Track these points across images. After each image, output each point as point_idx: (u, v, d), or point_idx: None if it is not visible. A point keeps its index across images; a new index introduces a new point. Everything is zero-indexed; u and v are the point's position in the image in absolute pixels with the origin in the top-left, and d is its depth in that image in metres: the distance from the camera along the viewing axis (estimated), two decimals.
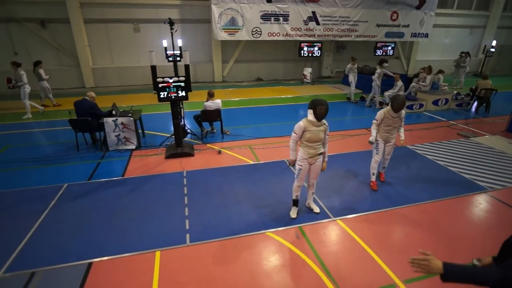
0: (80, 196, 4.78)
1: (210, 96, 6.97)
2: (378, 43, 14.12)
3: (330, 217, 4.30)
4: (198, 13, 13.18)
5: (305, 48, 13.85)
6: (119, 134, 6.40)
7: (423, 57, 17.35)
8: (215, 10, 12.18)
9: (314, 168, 4.06)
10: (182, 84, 5.71)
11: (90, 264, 3.43)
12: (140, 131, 7.01)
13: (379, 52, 14.13)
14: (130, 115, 6.46)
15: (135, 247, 3.69)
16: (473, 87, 10.23)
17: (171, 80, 5.64)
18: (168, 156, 6.14)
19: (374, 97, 10.18)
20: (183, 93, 5.78)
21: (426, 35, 15.62)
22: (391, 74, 9.72)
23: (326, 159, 4.07)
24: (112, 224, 4.12)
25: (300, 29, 13.45)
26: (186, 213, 4.35)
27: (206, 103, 6.95)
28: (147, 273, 3.31)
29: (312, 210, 4.40)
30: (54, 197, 4.74)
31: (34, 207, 4.47)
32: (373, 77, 9.86)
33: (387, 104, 10.01)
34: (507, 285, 1.46)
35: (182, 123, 6.73)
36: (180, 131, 6.24)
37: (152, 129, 7.77)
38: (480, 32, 18.37)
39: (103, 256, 3.54)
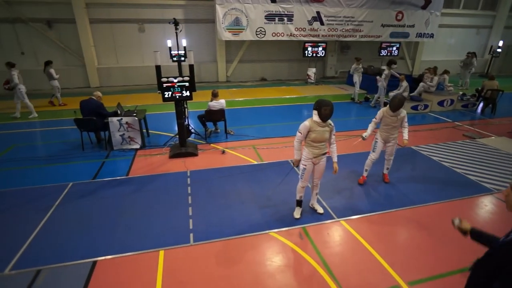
0: (85, 195, 4.83)
1: (214, 96, 6.99)
2: (383, 43, 14.04)
3: (333, 218, 4.28)
4: (203, 13, 13.22)
5: (309, 48, 13.83)
6: (123, 134, 6.44)
7: (428, 58, 17.22)
8: (220, 10, 12.20)
9: (318, 168, 4.05)
10: (187, 84, 5.73)
11: (94, 262, 3.46)
12: (144, 130, 7.04)
13: (383, 53, 14.06)
14: (134, 114, 6.50)
15: (139, 246, 3.71)
16: (479, 88, 10.13)
17: (175, 80, 5.67)
18: (172, 156, 6.17)
19: (379, 98, 10.13)
20: (188, 93, 5.80)
21: (432, 35, 15.50)
22: (397, 75, 9.67)
23: (336, 159, 4.00)
24: (117, 223, 4.14)
25: (304, 29, 13.42)
26: (190, 213, 4.37)
27: (210, 103, 6.96)
28: (151, 272, 3.33)
29: (315, 210, 4.39)
30: (60, 195, 4.78)
31: (40, 205, 4.52)
32: (378, 77, 9.81)
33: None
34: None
35: (186, 123, 6.75)
36: (184, 131, 6.26)
37: (156, 128, 7.81)
38: (487, 32, 18.19)
39: (108, 255, 3.56)
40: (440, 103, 9.89)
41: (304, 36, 13.56)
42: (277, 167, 5.77)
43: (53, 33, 12.05)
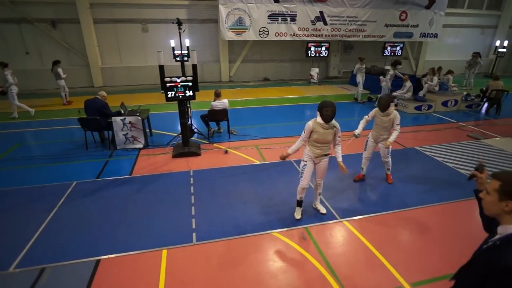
0: (89, 194, 4.85)
1: (217, 96, 7.00)
2: (387, 43, 13.99)
3: (336, 218, 4.27)
4: (206, 13, 13.25)
5: (312, 48, 13.80)
6: (127, 133, 6.47)
7: (432, 58, 17.12)
8: (223, 10, 12.22)
9: (319, 168, 4.04)
10: (190, 83, 5.74)
11: (98, 261, 3.48)
12: (147, 130, 7.07)
13: (387, 53, 14.00)
14: (138, 114, 6.53)
15: (142, 245, 3.72)
16: (484, 88, 10.05)
17: (178, 80, 5.68)
18: (175, 155, 6.18)
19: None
20: (191, 93, 5.82)
21: (436, 35, 15.42)
22: (401, 75, 9.63)
23: (340, 159, 3.92)
24: (120, 222, 4.16)
25: (307, 29, 13.41)
26: (193, 212, 4.38)
27: (213, 103, 6.97)
28: (154, 271, 3.34)
29: (318, 211, 4.38)
30: (64, 194, 4.82)
31: (44, 204, 4.55)
32: (381, 77, 9.77)
33: (396, 105, 9.98)
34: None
35: (189, 122, 6.77)
36: (187, 131, 6.28)
37: (160, 128, 7.84)
38: (492, 32, 18.05)
39: (111, 254, 3.58)
40: (444, 104, 9.83)
41: (307, 36, 13.55)
42: (280, 167, 5.77)
43: (57, 33, 12.13)
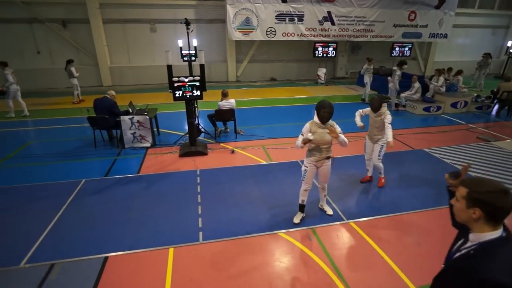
0: (97, 192, 4.92)
1: (224, 95, 7.02)
2: (395, 44, 13.85)
3: (343, 220, 4.25)
4: (213, 13, 13.30)
5: (320, 49, 13.75)
6: (135, 132, 6.53)
7: (441, 58, 16.90)
8: (230, 10, 12.26)
9: (322, 172, 3.98)
10: (197, 83, 5.78)
11: (106, 258, 3.53)
12: (155, 129, 7.13)
13: (395, 53, 13.87)
14: (146, 113, 6.59)
15: (149, 243, 3.76)
16: (495, 90, 9.89)
17: (186, 80, 5.72)
18: (182, 155, 6.23)
19: (390, 99, 10.00)
20: (198, 93, 5.85)
21: (445, 36, 15.21)
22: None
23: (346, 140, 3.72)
24: (128, 220, 4.21)
25: (315, 29, 13.36)
26: (199, 212, 4.40)
27: (220, 103, 7.00)
28: (161, 269, 3.37)
29: (325, 212, 4.37)
30: (73, 192, 4.89)
31: (54, 201, 4.63)
32: (389, 78, 9.67)
33: (404, 106, 9.88)
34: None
35: (196, 122, 6.81)
36: (194, 130, 6.31)
37: (167, 127, 7.90)
38: (503, 33, 17.73)
39: (119, 251, 3.62)
40: (454, 105, 9.69)
41: (314, 36, 13.50)
42: (287, 167, 5.76)
43: (67, 33, 12.33)
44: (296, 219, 4.19)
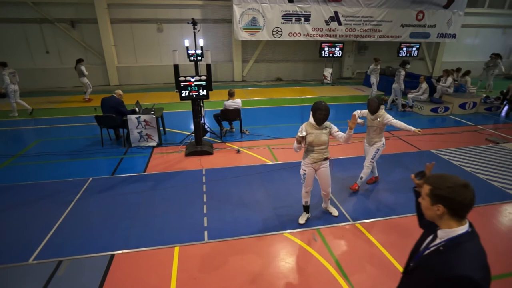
0: (104, 190, 4.97)
1: (231, 95, 7.04)
2: (402, 44, 13.72)
3: (349, 221, 4.23)
4: (220, 13, 13.33)
5: (326, 49, 13.68)
6: (141, 131, 6.59)
7: (450, 59, 16.67)
8: (237, 10, 12.27)
9: (321, 175, 3.89)
10: (203, 83, 5.80)
11: (112, 255, 3.56)
12: (161, 128, 7.18)
13: (402, 53, 13.74)
14: (152, 112, 6.64)
15: (155, 241, 3.79)
16: (504, 91, 9.73)
17: (193, 79, 5.74)
18: (188, 154, 6.26)
19: (395, 100, 9.92)
20: (204, 92, 5.87)
21: (454, 36, 15.00)
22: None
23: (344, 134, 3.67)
24: (134, 218, 4.25)
25: (321, 29, 13.30)
26: (205, 211, 4.42)
27: (226, 102, 7.02)
28: (166, 268, 3.39)
29: (330, 213, 4.34)
30: (80, 190, 4.95)
31: (62, 199, 4.69)
32: (396, 79, 9.58)
33: (411, 107, 9.78)
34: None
35: (202, 121, 6.83)
36: (200, 130, 6.34)
37: (173, 127, 7.95)
38: None
39: (125, 249, 3.66)
40: (462, 106, 9.55)
41: (321, 36, 13.44)
42: (292, 167, 5.75)
43: (76, 33, 12.48)
44: (302, 220, 4.18)
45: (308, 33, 13.25)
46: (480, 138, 7.42)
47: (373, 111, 4.57)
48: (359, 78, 15.31)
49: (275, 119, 8.82)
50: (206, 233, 3.95)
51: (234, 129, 7.72)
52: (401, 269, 3.37)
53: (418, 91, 9.73)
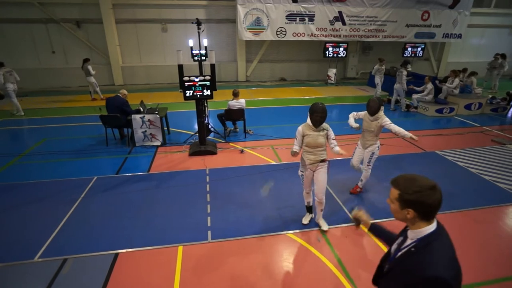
0: (108, 189, 5.00)
1: (235, 95, 7.05)
2: (407, 44, 13.63)
3: (352, 222, 4.20)
4: (224, 13, 13.35)
5: (330, 49, 13.63)
6: (145, 131, 6.62)
7: (455, 59, 16.52)
8: (241, 10, 12.27)
9: (318, 177, 3.76)
10: (208, 83, 5.81)
11: (116, 254, 3.58)
12: (165, 128, 7.21)
13: (407, 53, 13.65)
14: (156, 112, 6.66)
15: (159, 241, 3.81)
16: (511, 91, 9.63)
17: (197, 79, 5.76)
18: (192, 154, 6.27)
19: (399, 100, 9.85)
20: (208, 92, 5.89)
21: (460, 36, 14.87)
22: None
23: (337, 148, 3.67)
24: (138, 218, 4.27)
25: (325, 29, 13.26)
26: (208, 210, 4.43)
27: (230, 102, 7.02)
28: (170, 267, 3.41)
29: (320, 227, 4.05)
30: (85, 189, 4.99)
31: (67, 197, 4.73)
32: (397, 79, 9.51)
33: (415, 108, 9.71)
34: None
35: (206, 121, 6.85)
36: (204, 130, 6.35)
37: (177, 126, 7.98)
38: None
39: (129, 248, 3.68)
40: (467, 107, 9.47)
41: (325, 36, 13.39)
42: (295, 167, 5.72)
43: (81, 33, 12.57)
44: (305, 220, 4.17)
45: (312, 33, 13.21)
46: (486, 139, 7.35)
47: (373, 112, 4.40)
48: (363, 79, 15.24)
49: (279, 119, 8.81)
50: (209, 232, 3.96)
51: (238, 129, 7.73)
52: None
53: (423, 91, 9.65)
